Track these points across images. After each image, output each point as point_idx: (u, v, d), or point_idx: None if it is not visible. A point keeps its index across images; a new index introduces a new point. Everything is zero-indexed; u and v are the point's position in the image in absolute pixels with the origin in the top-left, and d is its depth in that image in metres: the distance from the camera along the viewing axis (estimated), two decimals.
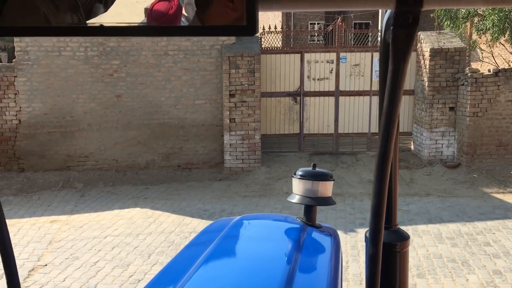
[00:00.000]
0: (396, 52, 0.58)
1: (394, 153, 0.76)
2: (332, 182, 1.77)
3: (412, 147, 9.93)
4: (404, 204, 7.50)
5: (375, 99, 9.82)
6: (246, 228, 1.78)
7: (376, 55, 9.70)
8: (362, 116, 9.86)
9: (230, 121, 9.13)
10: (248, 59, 9.01)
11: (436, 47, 9.05)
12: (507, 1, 0.55)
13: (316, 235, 1.69)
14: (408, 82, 9.80)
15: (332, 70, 9.71)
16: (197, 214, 7.09)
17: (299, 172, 1.76)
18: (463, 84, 8.93)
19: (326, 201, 1.72)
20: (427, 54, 9.16)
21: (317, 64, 9.69)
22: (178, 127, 9.28)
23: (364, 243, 0.91)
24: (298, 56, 9.68)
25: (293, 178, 1.78)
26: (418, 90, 9.63)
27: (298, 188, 1.73)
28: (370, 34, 10.24)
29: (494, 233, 6.20)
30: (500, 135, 8.86)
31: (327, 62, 9.70)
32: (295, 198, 1.73)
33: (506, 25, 8.54)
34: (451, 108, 9.20)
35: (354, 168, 9.26)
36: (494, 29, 8.56)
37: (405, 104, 9.86)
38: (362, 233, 6.15)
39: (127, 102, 8.96)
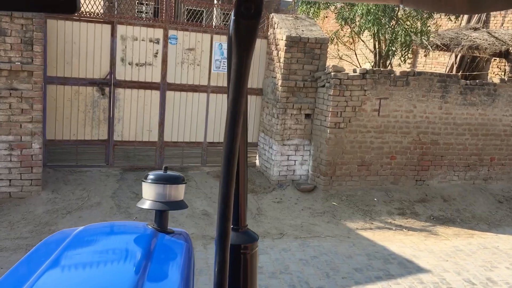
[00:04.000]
0: (239, 44, 0.56)
1: (243, 152, 0.73)
2: (184, 185, 1.69)
3: (257, 162, 7.74)
4: None
5: (215, 98, 7.35)
6: (90, 238, 1.59)
7: (217, 39, 7.23)
8: (196, 119, 7.30)
9: None
10: (22, 22, 5.69)
11: (293, 35, 6.95)
12: None
13: (167, 241, 1.59)
14: (256, 79, 7.56)
15: (157, 53, 6.93)
16: None
17: (150, 176, 1.65)
18: (323, 86, 7.01)
19: (178, 205, 1.65)
20: (282, 44, 7.01)
21: (136, 42, 6.80)
22: None
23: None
24: (107, 27, 6.65)
25: (143, 183, 1.67)
26: (268, 89, 7.46)
27: (148, 193, 1.64)
28: (207, 10, 7.71)
29: None
30: (363, 152, 7.17)
31: (151, 41, 6.88)
32: (145, 204, 1.63)
33: (381, 14, 6.84)
34: (307, 116, 7.23)
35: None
36: (369, 17, 6.79)
37: (250, 106, 7.61)
38: None
39: None
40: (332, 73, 6.82)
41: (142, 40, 6.81)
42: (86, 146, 6.81)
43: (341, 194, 7.03)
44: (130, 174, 6.87)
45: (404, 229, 6.40)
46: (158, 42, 6.89)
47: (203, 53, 7.17)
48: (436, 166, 7.63)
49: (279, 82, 7.04)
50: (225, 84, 7.35)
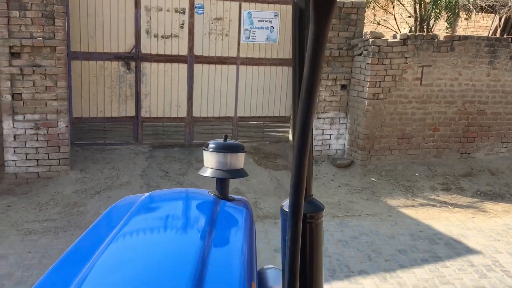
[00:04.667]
0: (317, 11, 0.55)
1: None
2: (244, 153, 1.72)
3: (290, 137, 7.40)
4: None
5: (244, 70, 6.99)
6: (156, 204, 1.66)
7: (246, 7, 6.82)
8: (226, 93, 6.98)
9: (13, 97, 5.53)
10: None
11: None
12: None
13: (229, 208, 1.63)
14: (288, 49, 7.15)
15: (183, 24, 6.59)
16: None
17: (210, 145, 1.69)
18: (360, 54, 6.54)
19: (239, 173, 1.68)
20: None
21: (161, 13, 6.47)
22: None
23: None
24: None
25: (204, 151, 1.69)
26: None
27: (209, 161, 1.67)
28: None
29: None
30: (404, 124, 6.72)
31: (176, 11, 6.54)
32: (207, 172, 1.66)
33: None
34: (343, 87, 6.80)
35: None
36: None
37: (282, 78, 7.23)
38: None
39: None
40: (370, 40, 6.34)
41: (167, 10, 6.47)
42: (114, 123, 6.61)
43: (380, 169, 6.64)
44: (159, 152, 6.66)
45: (449, 206, 5.99)
46: (184, 12, 6.54)
47: (231, 23, 6.79)
48: (483, 137, 7.11)
49: None
50: (255, 56, 6.99)
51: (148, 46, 6.49)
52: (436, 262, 4.48)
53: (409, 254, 4.61)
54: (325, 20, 0.56)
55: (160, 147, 6.78)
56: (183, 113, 6.83)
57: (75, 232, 4.71)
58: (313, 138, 6.70)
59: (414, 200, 6.08)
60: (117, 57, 6.40)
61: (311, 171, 0.85)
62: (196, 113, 6.87)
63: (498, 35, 9.84)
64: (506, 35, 9.44)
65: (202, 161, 5.87)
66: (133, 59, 6.47)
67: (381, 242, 4.85)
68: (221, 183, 1.67)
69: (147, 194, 1.70)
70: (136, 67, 6.50)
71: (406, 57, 6.45)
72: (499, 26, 10.22)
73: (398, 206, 5.89)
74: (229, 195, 1.70)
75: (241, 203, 1.71)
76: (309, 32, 0.56)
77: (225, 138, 1.74)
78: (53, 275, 1.11)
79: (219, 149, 1.67)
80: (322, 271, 0.91)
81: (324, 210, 0.88)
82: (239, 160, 1.70)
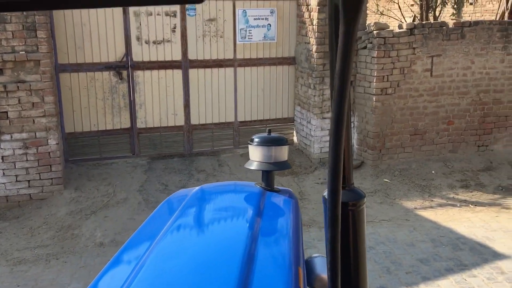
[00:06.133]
0: (346, 11, 0.59)
1: (347, 112, 0.76)
2: (288, 146, 1.78)
3: (295, 139, 7.01)
4: None
5: (243, 72, 6.61)
6: (206, 197, 1.76)
7: (240, 6, 6.44)
8: (225, 97, 6.61)
9: None
10: None
11: None
12: None
13: (275, 199, 1.71)
14: (287, 46, 6.77)
15: (175, 27, 6.23)
16: None
17: (255, 139, 1.76)
18: (365, 47, 6.14)
19: (283, 165, 1.75)
20: (313, 3, 6.16)
21: (151, 17, 6.12)
22: None
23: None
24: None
25: (249, 145, 1.78)
26: (301, 57, 6.65)
27: (255, 155, 1.75)
28: None
29: None
30: (416, 120, 6.31)
31: (167, 15, 6.18)
32: (253, 165, 1.74)
33: None
34: None
35: (216, 179, 6.04)
36: None
37: (283, 77, 6.85)
38: None
39: None
40: (375, 32, 5.93)
41: (158, 14, 6.12)
42: (109, 136, 6.27)
43: (393, 169, 6.24)
44: (158, 163, 6.32)
45: (470, 205, 5.57)
46: (175, 15, 6.18)
47: (226, 23, 6.42)
48: (501, 128, 6.68)
49: (314, 48, 6.22)
50: (253, 56, 6.62)
51: (140, 53, 6.14)
52: (462, 271, 4.08)
53: (431, 264, 4.22)
54: (354, 21, 0.58)
55: (158, 159, 6.43)
56: (180, 121, 6.48)
57: (68, 259, 4.37)
58: (319, 140, 6.32)
59: (432, 200, 5.68)
60: (108, 67, 6.06)
61: (351, 160, 0.86)
62: (194, 120, 6.51)
63: (506, 18, 9.38)
64: None
65: (203, 171, 5.44)
66: (124, 68, 6.12)
67: (400, 251, 4.45)
68: (267, 175, 1.72)
69: (198, 187, 1.77)
70: (128, 76, 6.16)
71: (414, 48, 6.04)
72: (507, 9, 9.74)
73: (415, 208, 5.49)
74: (275, 187, 1.75)
75: (287, 193, 1.77)
76: (340, 33, 0.59)
77: (269, 132, 1.77)
78: (113, 266, 1.19)
79: (264, 142, 1.71)
80: (366, 258, 0.90)
81: (365, 198, 0.88)
82: (283, 153, 1.75)
